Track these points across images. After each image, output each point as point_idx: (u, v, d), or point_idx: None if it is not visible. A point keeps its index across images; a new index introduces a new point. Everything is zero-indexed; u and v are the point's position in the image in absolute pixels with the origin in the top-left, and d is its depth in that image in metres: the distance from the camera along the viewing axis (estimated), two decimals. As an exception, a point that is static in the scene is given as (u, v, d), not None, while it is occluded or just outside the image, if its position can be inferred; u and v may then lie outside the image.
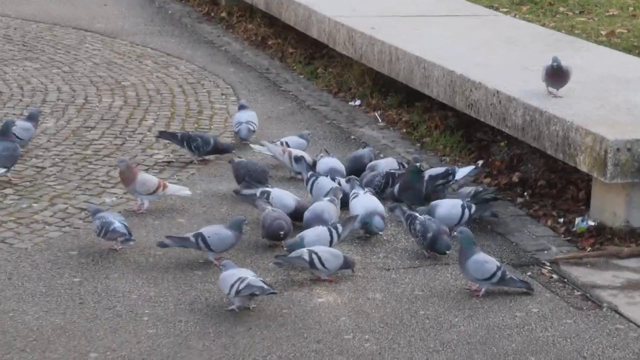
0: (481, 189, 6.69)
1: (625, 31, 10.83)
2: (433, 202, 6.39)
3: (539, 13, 11.77)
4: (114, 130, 8.19)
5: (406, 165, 6.97)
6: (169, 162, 7.51)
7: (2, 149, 6.87)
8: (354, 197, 6.37)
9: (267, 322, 5.22)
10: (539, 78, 6.99)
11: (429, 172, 6.81)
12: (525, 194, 7.00)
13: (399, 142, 8.12)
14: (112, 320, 5.21)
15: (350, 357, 4.94)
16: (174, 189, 6.59)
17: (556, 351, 5.03)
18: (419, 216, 6.07)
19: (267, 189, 6.50)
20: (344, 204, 6.39)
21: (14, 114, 8.37)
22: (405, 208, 6.26)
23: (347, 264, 5.69)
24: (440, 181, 6.72)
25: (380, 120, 8.65)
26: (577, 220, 6.42)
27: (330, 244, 5.84)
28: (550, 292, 5.63)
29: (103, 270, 5.74)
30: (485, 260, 5.57)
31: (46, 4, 12.82)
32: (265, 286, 5.24)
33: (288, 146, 7.37)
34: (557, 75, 6.87)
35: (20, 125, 7.37)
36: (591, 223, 6.33)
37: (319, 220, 6.08)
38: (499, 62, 7.92)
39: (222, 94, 9.29)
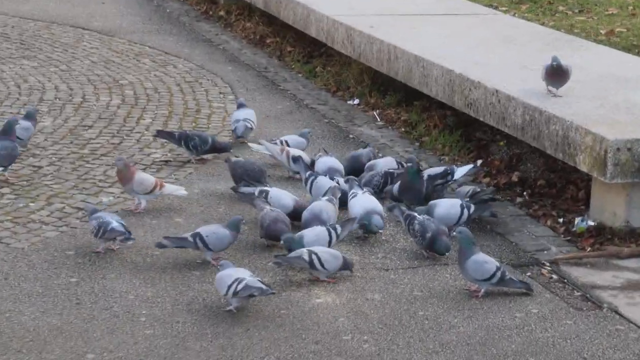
0: (479, 189, 6.66)
1: (625, 30, 10.81)
2: (432, 202, 6.36)
3: (538, 12, 11.76)
4: (112, 129, 8.16)
5: (405, 165, 6.94)
6: (166, 161, 7.48)
7: (1, 148, 6.85)
8: (352, 197, 6.34)
9: (265, 323, 5.20)
10: (538, 77, 6.97)
11: (427, 172, 6.79)
12: (525, 193, 6.97)
13: (397, 142, 8.09)
14: (109, 320, 5.18)
15: (348, 358, 4.91)
16: (170, 188, 6.57)
17: (556, 352, 5.01)
18: (418, 216, 6.04)
19: (266, 188, 6.47)
20: (343, 203, 6.36)
21: (11, 113, 8.34)
22: (403, 208, 6.24)
23: (346, 265, 5.67)
24: (440, 181, 6.69)
25: (378, 120, 8.63)
26: (577, 220, 6.40)
27: (329, 245, 5.81)
28: (550, 293, 5.60)
29: (100, 271, 5.72)
30: (484, 261, 5.55)
31: (44, 2, 12.79)
32: (264, 287, 5.21)
33: (287, 145, 7.35)
34: (557, 74, 6.85)
35: (21, 125, 7.33)
36: (591, 223, 6.31)
37: (317, 220, 6.06)
38: (497, 61, 7.90)
39: (220, 93, 9.27)
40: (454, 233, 5.82)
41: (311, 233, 5.86)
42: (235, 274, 5.26)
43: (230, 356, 4.90)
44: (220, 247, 5.80)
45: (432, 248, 5.95)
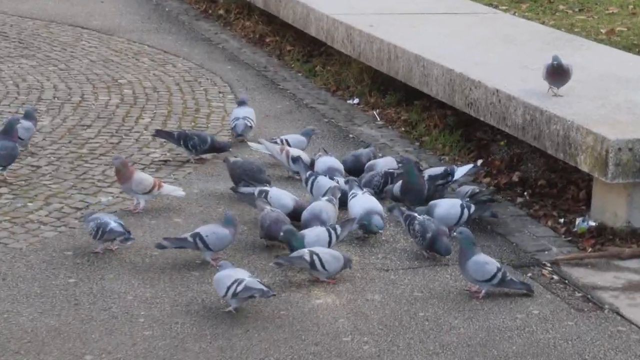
0: (478, 189, 6.64)
1: (625, 29, 10.79)
2: (432, 202, 6.34)
3: (539, 11, 11.74)
4: (110, 129, 8.13)
5: (398, 165, 6.92)
6: (165, 161, 7.46)
7: (1, 148, 6.82)
8: (352, 197, 6.31)
9: (265, 324, 5.17)
10: (538, 77, 6.94)
11: (428, 172, 6.77)
12: (526, 193, 6.95)
13: (397, 141, 8.07)
14: (108, 321, 5.15)
15: (348, 360, 4.90)
16: (168, 189, 6.55)
17: (557, 354, 4.98)
18: (418, 216, 6.02)
19: (266, 188, 6.44)
20: (343, 203, 6.34)
21: (9, 112, 8.32)
22: (403, 208, 6.22)
23: (346, 264, 5.64)
24: (440, 181, 6.67)
25: (378, 119, 8.60)
26: (578, 220, 6.38)
27: (329, 245, 5.79)
28: (551, 294, 5.58)
29: (98, 271, 5.69)
30: (485, 262, 5.52)
31: (43, 1, 12.77)
32: (265, 288, 5.18)
33: (288, 144, 7.32)
34: (557, 73, 6.83)
35: (22, 125, 7.29)
36: (592, 223, 6.28)
37: (317, 220, 6.04)
38: (498, 61, 7.87)
39: (220, 92, 9.24)
40: (455, 233, 5.79)
41: (311, 233, 5.84)
42: (234, 274, 5.23)
43: (230, 357, 4.87)
44: (221, 247, 5.78)
45: (432, 248, 5.92)
